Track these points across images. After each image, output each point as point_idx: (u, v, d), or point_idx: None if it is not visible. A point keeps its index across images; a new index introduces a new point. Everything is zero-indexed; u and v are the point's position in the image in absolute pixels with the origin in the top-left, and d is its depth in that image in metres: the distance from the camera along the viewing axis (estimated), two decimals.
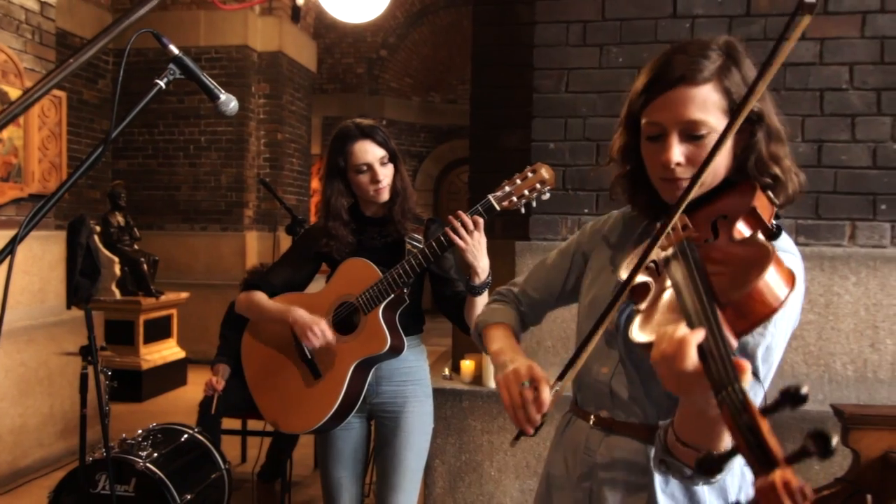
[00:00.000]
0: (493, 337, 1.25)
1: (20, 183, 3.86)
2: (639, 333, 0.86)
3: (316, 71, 8.50)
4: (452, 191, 10.90)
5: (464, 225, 1.72)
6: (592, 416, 1.13)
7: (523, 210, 1.74)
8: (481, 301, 1.84)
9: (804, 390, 0.63)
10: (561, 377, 1.01)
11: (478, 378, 2.81)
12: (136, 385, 5.38)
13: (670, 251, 0.91)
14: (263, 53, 7.28)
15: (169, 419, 3.27)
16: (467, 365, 2.82)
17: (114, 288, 5.48)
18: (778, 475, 0.61)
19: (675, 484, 1.04)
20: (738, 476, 1.07)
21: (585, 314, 1.18)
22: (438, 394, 2.72)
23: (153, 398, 5.50)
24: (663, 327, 0.80)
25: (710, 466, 0.74)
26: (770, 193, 0.97)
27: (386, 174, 1.94)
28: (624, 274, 0.98)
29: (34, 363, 3.82)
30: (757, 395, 0.92)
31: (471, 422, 2.71)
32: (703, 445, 0.84)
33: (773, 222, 0.95)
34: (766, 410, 0.67)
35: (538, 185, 1.70)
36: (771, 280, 0.79)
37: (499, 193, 1.73)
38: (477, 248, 1.74)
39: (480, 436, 2.71)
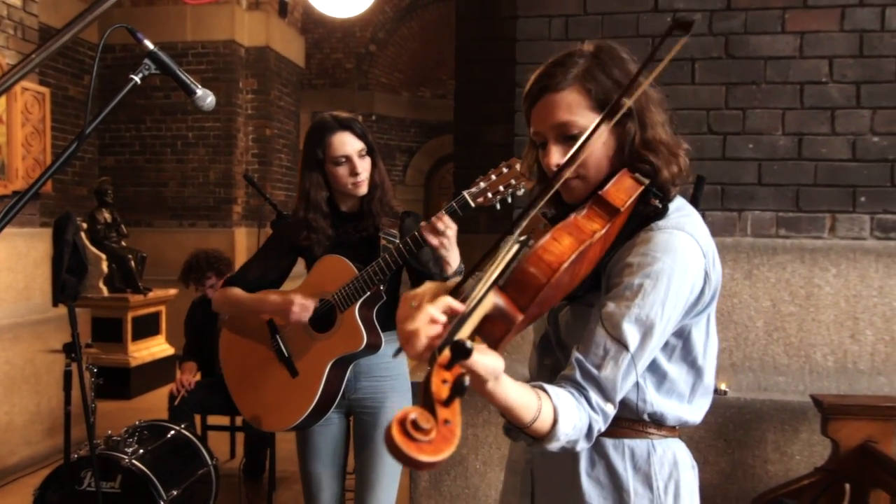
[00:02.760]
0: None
1: (3, 180, 3.84)
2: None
3: (304, 66, 8.47)
4: (443, 186, 10.88)
5: (437, 229, 1.72)
6: None
7: (498, 206, 1.74)
8: None
9: (468, 345, 0.71)
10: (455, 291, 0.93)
11: None
12: (124, 382, 5.36)
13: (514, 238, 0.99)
14: (251, 48, 7.24)
15: (158, 416, 3.27)
16: None
17: (101, 285, 5.46)
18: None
19: (600, 469, 1.10)
20: (669, 463, 1.10)
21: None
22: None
23: (142, 395, 5.49)
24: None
25: (509, 433, 0.95)
26: (638, 175, 1.04)
27: (364, 167, 1.93)
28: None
29: (20, 361, 3.80)
30: (628, 374, 0.99)
31: None
32: (509, 418, 0.92)
33: (657, 202, 1.03)
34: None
35: (513, 181, 1.70)
36: (541, 253, 0.89)
37: (473, 190, 1.73)
38: (450, 245, 1.75)
39: (465, 429, 2.72)
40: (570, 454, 1.09)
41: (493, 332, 0.87)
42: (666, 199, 1.05)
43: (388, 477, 1.97)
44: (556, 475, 1.14)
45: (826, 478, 2.25)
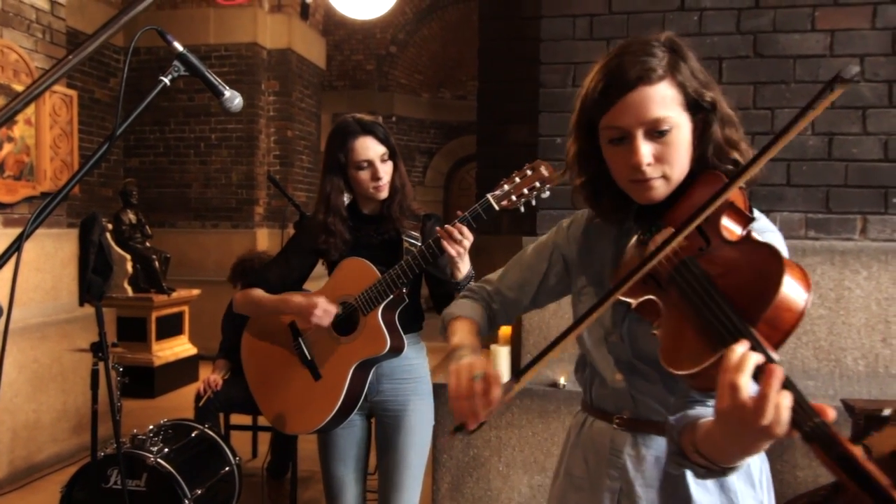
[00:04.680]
0: (455, 329, 1.24)
1: (32, 181, 3.90)
2: (675, 366, 0.84)
3: (325, 68, 8.51)
4: (463, 187, 10.88)
5: (453, 237, 1.71)
6: (615, 418, 1.13)
7: (522, 209, 1.72)
8: None
9: (886, 412, 0.65)
10: (517, 378, 0.99)
11: None
12: (148, 381, 5.42)
13: (670, 270, 0.90)
14: (273, 51, 7.30)
15: (181, 415, 3.30)
16: None
17: (126, 285, 5.53)
18: None
19: None
20: (759, 458, 1.09)
21: (588, 330, 1.15)
22: (445, 390, 2.72)
23: (165, 394, 5.54)
24: (709, 369, 0.79)
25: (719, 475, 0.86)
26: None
27: (386, 171, 1.92)
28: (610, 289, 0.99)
29: (47, 360, 3.86)
30: None
31: None
32: (720, 462, 0.85)
33: (752, 208, 0.96)
34: (855, 438, 0.68)
35: (537, 184, 1.68)
36: (790, 285, 0.78)
37: (498, 192, 1.71)
38: (465, 254, 1.74)
39: (488, 431, 2.71)
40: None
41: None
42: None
43: (412, 479, 1.97)
44: (656, 489, 1.09)
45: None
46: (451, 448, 2.74)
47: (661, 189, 1.01)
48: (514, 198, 1.70)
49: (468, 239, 1.72)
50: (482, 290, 1.34)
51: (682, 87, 0.99)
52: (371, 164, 1.91)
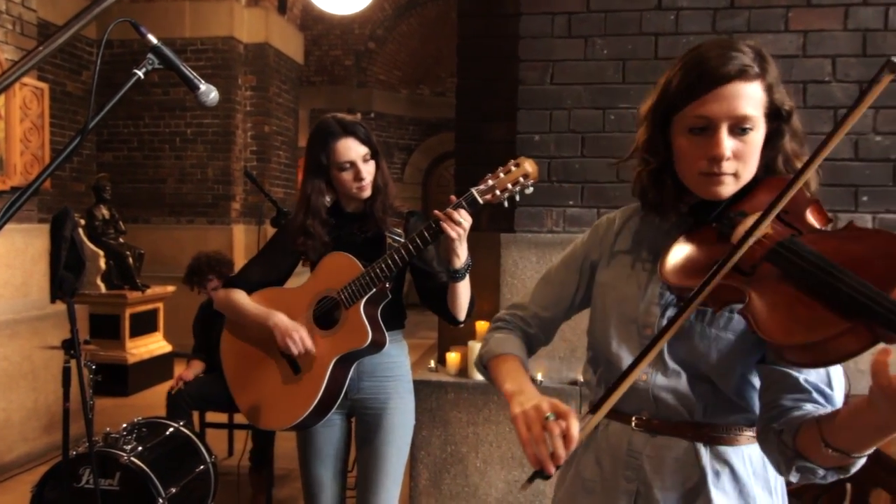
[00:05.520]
0: (503, 371, 1.19)
1: (2, 175, 3.82)
2: (786, 337, 0.84)
3: (303, 63, 8.45)
4: (441, 184, 10.88)
5: (453, 219, 1.71)
6: (633, 419, 1.12)
7: (506, 204, 1.72)
8: (463, 286, 1.83)
9: None
10: (594, 410, 0.98)
11: (463, 370, 2.82)
12: (122, 379, 5.35)
13: (766, 249, 0.91)
14: (250, 45, 7.22)
15: (155, 413, 3.26)
16: (452, 357, 2.83)
17: (99, 282, 5.44)
18: None
19: (725, 478, 1.06)
20: None
21: (615, 327, 1.14)
22: (424, 386, 2.72)
23: (140, 392, 5.47)
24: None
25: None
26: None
27: (369, 171, 1.92)
28: (675, 280, 0.99)
29: (17, 357, 3.79)
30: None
31: (456, 413, 2.72)
32: (855, 451, 0.85)
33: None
34: None
35: (521, 179, 1.69)
36: None
37: (482, 187, 1.71)
38: (464, 237, 1.74)
39: (466, 427, 2.72)
40: (692, 467, 1.07)
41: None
42: None
43: (392, 478, 1.96)
44: (674, 492, 1.09)
45: None
46: (429, 444, 2.74)
47: (730, 186, 1.03)
48: (497, 192, 1.70)
49: (467, 221, 1.71)
50: (514, 316, 1.31)
51: (769, 91, 1.02)
52: (353, 164, 1.90)
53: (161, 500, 2.50)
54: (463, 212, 1.70)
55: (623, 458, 1.12)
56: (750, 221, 0.95)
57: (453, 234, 1.70)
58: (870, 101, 0.86)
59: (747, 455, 1.08)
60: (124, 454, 2.54)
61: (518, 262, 2.77)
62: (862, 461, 0.88)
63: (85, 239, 5.36)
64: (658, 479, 1.09)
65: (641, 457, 1.10)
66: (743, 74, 0.99)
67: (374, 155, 1.94)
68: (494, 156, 1.82)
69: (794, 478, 0.96)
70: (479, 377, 2.75)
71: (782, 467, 0.96)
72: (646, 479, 1.10)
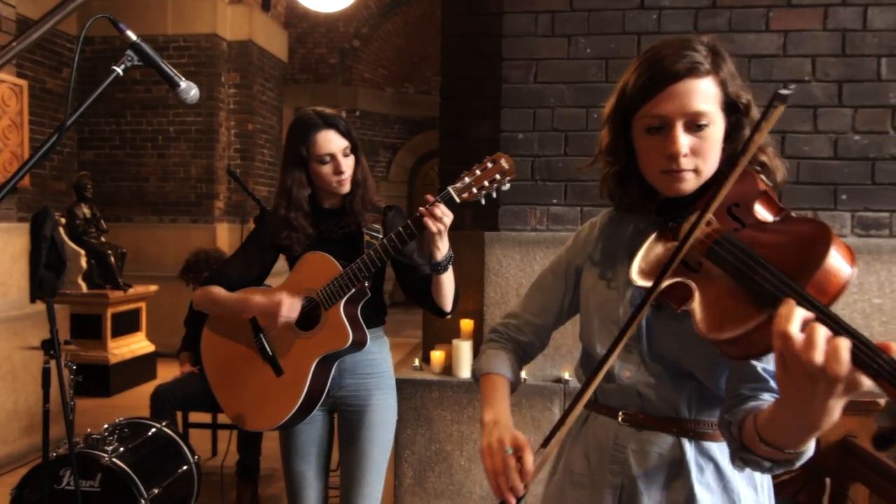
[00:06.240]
0: (486, 394, 1.21)
1: None
2: (716, 332, 0.84)
3: (287, 61, 8.40)
4: (427, 182, 10.87)
5: (434, 214, 1.70)
6: (620, 413, 1.14)
7: (483, 201, 1.72)
8: (447, 277, 1.82)
9: None
10: (545, 443, 1.00)
11: (447, 369, 2.82)
12: (104, 380, 5.30)
13: (706, 246, 0.92)
14: (233, 42, 7.17)
15: (138, 414, 3.23)
16: (437, 356, 2.83)
17: (80, 281, 5.38)
18: None
19: (709, 473, 1.07)
20: None
21: (598, 329, 1.16)
22: (408, 384, 2.72)
23: (122, 393, 5.42)
24: (749, 320, 0.80)
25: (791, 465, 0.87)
26: (762, 177, 1.01)
27: (348, 165, 1.90)
28: (640, 280, 1.00)
29: None
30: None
31: (440, 412, 2.72)
32: (787, 446, 0.85)
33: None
34: None
35: (498, 176, 1.68)
36: (837, 250, 0.80)
37: (459, 185, 1.71)
38: (445, 232, 1.74)
39: (450, 426, 2.72)
40: (677, 462, 1.08)
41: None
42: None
43: (375, 474, 1.96)
44: (657, 487, 1.10)
45: (806, 473, 2.27)
46: (414, 443, 2.74)
47: (691, 182, 1.03)
48: (475, 190, 1.69)
49: (448, 216, 1.71)
50: (507, 326, 1.33)
51: (723, 86, 1.03)
52: (333, 157, 1.88)
53: (143, 501, 2.48)
54: (444, 207, 1.70)
55: (609, 452, 1.13)
56: (693, 218, 0.96)
57: (434, 229, 1.70)
58: (767, 129, 0.91)
59: None
60: (105, 455, 2.51)
61: (502, 260, 2.78)
62: (805, 456, 0.87)
63: (66, 238, 5.29)
64: (642, 473, 1.10)
65: (626, 451, 1.11)
66: (693, 71, 1.00)
67: (354, 149, 1.93)
68: (479, 154, 1.81)
69: (739, 468, 0.98)
70: (463, 376, 2.75)
71: (733, 458, 0.97)
72: (630, 474, 1.11)
